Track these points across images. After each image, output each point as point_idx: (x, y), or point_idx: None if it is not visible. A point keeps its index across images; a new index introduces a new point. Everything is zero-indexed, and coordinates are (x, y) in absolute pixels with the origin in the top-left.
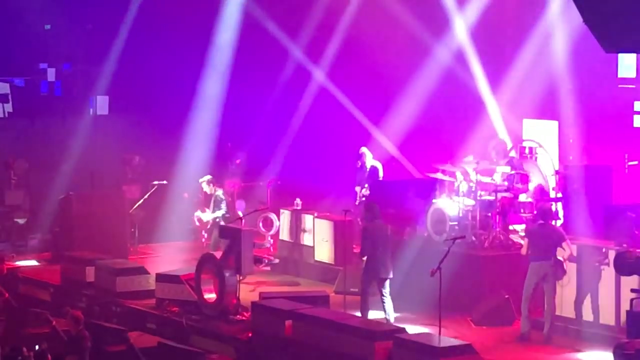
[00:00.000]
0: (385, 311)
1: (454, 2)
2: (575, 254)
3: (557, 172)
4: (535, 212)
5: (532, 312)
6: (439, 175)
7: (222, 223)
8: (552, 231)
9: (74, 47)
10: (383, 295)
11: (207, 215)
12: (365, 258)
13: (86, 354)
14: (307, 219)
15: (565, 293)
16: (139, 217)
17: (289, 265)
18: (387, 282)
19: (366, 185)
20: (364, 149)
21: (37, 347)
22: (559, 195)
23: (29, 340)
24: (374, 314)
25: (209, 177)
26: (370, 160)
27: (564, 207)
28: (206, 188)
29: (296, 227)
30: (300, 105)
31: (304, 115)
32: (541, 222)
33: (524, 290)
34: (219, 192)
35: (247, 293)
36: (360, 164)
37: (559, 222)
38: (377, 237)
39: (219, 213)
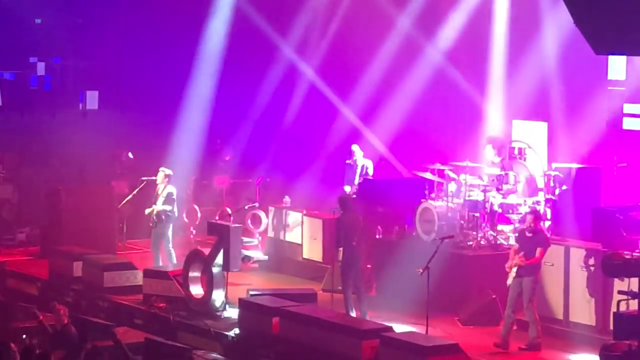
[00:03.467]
0: (359, 306)
1: (445, 2)
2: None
3: (546, 174)
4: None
5: (519, 311)
6: (428, 175)
7: (163, 217)
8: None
9: (64, 42)
10: (358, 289)
11: (158, 207)
12: (341, 249)
13: (74, 349)
14: (296, 217)
15: (553, 294)
16: (127, 213)
17: (277, 263)
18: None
19: (356, 183)
20: (355, 147)
21: (24, 336)
22: (548, 196)
23: (15, 334)
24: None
25: (170, 171)
26: (360, 158)
27: (552, 209)
28: (160, 179)
29: (284, 225)
30: (290, 102)
31: (294, 113)
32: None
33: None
34: (173, 190)
35: (235, 289)
36: (351, 161)
37: (547, 224)
38: (349, 229)
39: (168, 207)
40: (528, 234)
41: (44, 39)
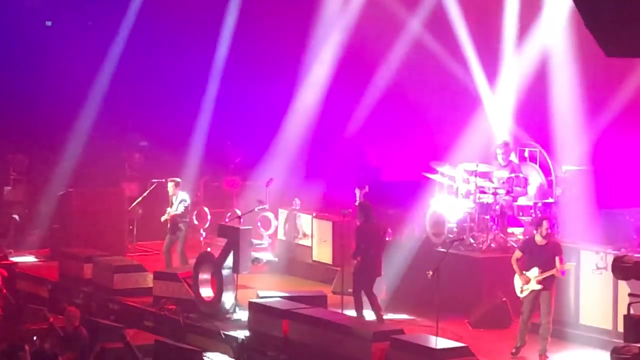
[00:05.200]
0: (372, 309)
1: (454, 2)
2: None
3: (556, 176)
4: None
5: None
6: (438, 177)
7: (182, 226)
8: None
9: (75, 44)
10: (371, 294)
11: (172, 211)
12: (359, 258)
13: (86, 351)
14: (306, 219)
15: (564, 297)
16: (137, 215)
17: (287, 265)
18: (376, 281)
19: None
20: (367, 149)
21: (35, 337)
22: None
23: (26, 336)
24: (372, 315)
25: (178, 179)
26: (373, 160)
27: (561, 210)
28: (171, 189)
29: (294, 227)
30: (301, 104)
31: (304, 115)
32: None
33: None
34: (186, 196)
35: (245, 292)
36: (363, 162)
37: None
38: (370, 237)
39: (179, 211)
40: (542, 242)
41: (54, 41)
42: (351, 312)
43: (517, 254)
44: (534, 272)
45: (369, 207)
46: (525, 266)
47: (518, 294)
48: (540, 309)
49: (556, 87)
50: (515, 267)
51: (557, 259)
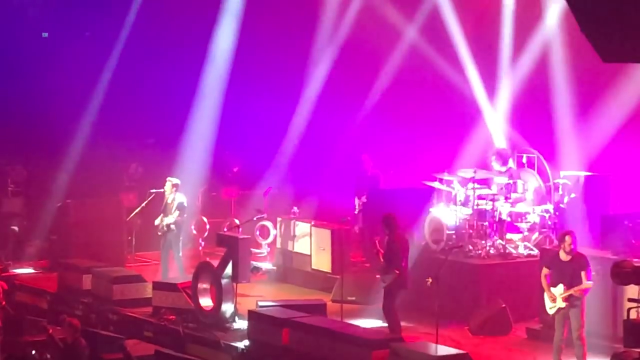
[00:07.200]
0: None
1: (451, 10)
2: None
3: (554, 182)
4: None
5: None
6: (436, 184)
7: (173, 227)
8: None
9: (72, 55)
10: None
11: (168, 219)
12: (397, 272)
13: None
14: (304, 227)
15: None
16: (136, 225)
17: (286, 274)
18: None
19: (365, 194)
20: (365, 156)
21: (33, 352)
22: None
23: (25, 348)
24: (372, 323)
25: (177, 180)
26: (370, 168)
27: (561, 217)
28: (168, 189)
29: (293, 236)
30: (298, 112)
31: (302, 123)
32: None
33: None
34: (184, 199)
35: (244, 301)
36: (361, 171)
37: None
38: (403, 249)
39: (172, 219)
40: (566, 257)
41: (51, 53)
42: (351, 321)
43: (545, 270)
44: (559, 289)
45: (392, 219)
46: (552, 282)
47: (547, 311)
48: (571, 324)
49: (554, 93)
50: (544, 284)
51: (583, 274)
